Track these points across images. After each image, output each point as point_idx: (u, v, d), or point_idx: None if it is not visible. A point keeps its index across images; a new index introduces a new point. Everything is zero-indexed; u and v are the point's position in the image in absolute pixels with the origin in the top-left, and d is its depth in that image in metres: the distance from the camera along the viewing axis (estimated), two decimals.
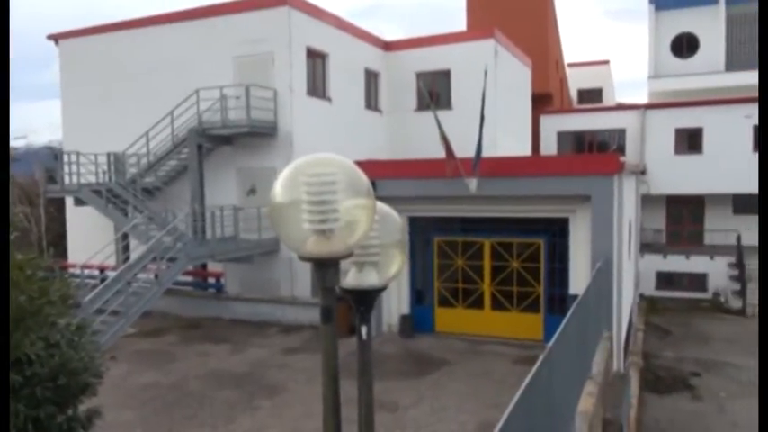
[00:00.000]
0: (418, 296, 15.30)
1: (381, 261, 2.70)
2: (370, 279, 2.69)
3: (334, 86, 19.40)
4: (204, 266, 17.88)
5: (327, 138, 18.18)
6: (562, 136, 29.18)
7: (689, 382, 16.07)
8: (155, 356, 13.48)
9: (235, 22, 17.84)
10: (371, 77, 22.02)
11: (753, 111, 25.26)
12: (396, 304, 15.06)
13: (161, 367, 12.63)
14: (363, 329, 2.74)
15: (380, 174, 14.45)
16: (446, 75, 22.05)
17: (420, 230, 15.09)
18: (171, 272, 13.85)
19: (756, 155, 25.26)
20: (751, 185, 25.28)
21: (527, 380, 4.61)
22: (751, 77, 28.89)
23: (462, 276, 14.81)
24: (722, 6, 29.84)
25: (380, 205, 2.74)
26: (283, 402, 10.54)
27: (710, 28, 30.30)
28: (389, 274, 2.74)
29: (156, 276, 13.63)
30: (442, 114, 14.42)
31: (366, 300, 2.72)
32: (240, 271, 17.53)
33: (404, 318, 14.93)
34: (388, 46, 22.77)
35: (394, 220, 2.75)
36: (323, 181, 2.31)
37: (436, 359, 12.90)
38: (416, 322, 14.94)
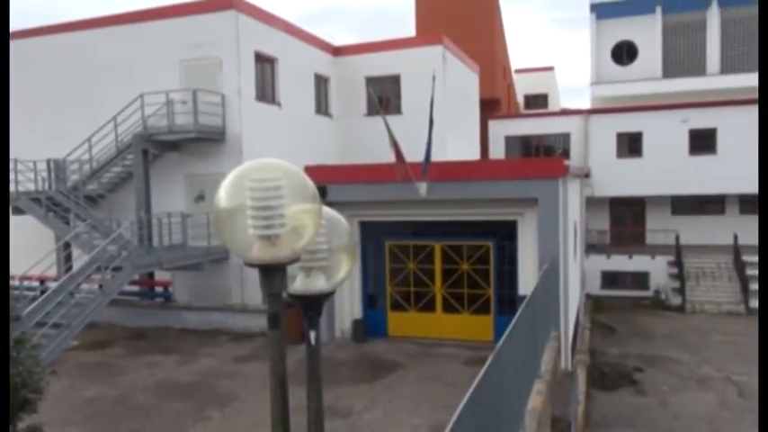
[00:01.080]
0: (371, 301, 15.32)
1: (329, 266, 2.71)
2: (319, 284, 2.69)
3: (284, 91, 19.27)
4: (151, 275, 17.43)
5: (277, 143, 18.04)
6: (510, 140, 29.76)
7: (633, 378, 16.56)
8: (100, 369, 13.05)
9: (181, 26, 17.51)
10: (321, 82, 21.97)
11: (689, 115, 26.41)
12: (348, 309, 15.03)
13: (106, 380, 12.24)
14: (312, 335, 2.73)
15: (331, 179, 14.44)
16: (396, 80, 22.22)
17: (372, 235, 15.12)
18: (116, 281, 13.45)
19: (692, 158, 26.44)
20: (687, 187, 26.44)
21: (476, 381, 4.68)
22: (686, 84, 30.26)
23: (414, 280, 14.91)
24: (659, 16, 31.10)
25: (327, 210, 2.74)
26: (234, 412, 10.37)
27: (648, 36, 31.52)
28: (338, 279, 2.75)
29: (101, 286, 13.21)
30: (391, 119, 14.51)
31: (314, 305, 2.72)
32: (189, 279, 17.17)
33: (356, 323, 14.92)
34: (337, 51, 22.78)
35: (341, 224, 2.75)
36: (268, 186, 2.30)
37: (389, 363, 12.93)
38: (369, 327, 14.95)
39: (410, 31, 32.91)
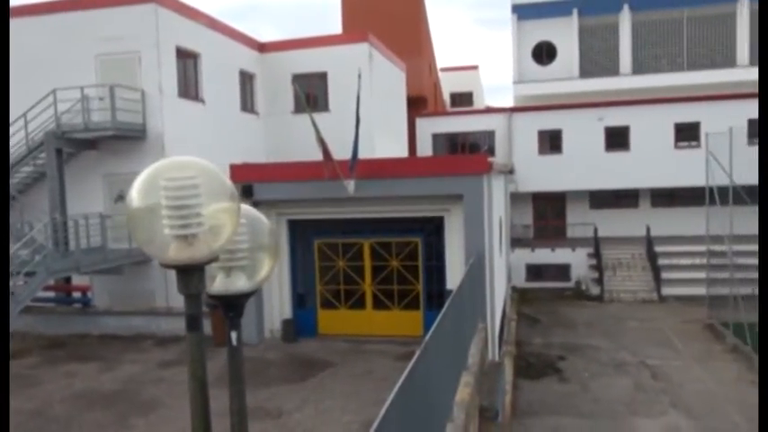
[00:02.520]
0: (300, 300, 15.20)
1: (250, 265, 2.67)
2: (239, 284, 2.65)
3: (208, 88, 18.80)
4: (68, 280, 16.61)
5: (201, 140, 17.57)
6: (437, 138, 30.26)
7: (557, 366, 17.26)
8: (13, 382, 12.28)
9: (97, 18, 16.73)
10: (247, 79, 21.58)
11: (604, 114, 27.68)
12: (278, 309, 14.86)
13: (21, 392, 11.56)
14: (233, 335, 2.69)
15: (258, 177, 14.23)
16: (323, 77, 22.11)
17: (300, 233, 15.01)
18: (29, 288, 12.73)
19: (608, 154, 27.75)
20: (604, 182, 27.74)
21: (403, 375, 4.74)
22: (602, 84, 31.71)
23: (344, 277, 14.91)
24: (575, 18, 32.42)
25: (248, 209, 2.70)
26: (160, 419, 10.05)
27: (566, 37, 32.80)
28: (259, 278, 2.71)
29: (12, 293, 12.46)
30: (319, 117, 14.43)
31: (235, 305, 2.67)
32: (109, 283, 16.48)
33: (286, 322, 14.77)
34: (263, 47, 22.43)
35: (262, 223, 2.72)
36: (183, 185, 2.24)
37: (320, 362, 12.88)
38: (299, 326, 14.84)
39: (337, 28, 32.85)
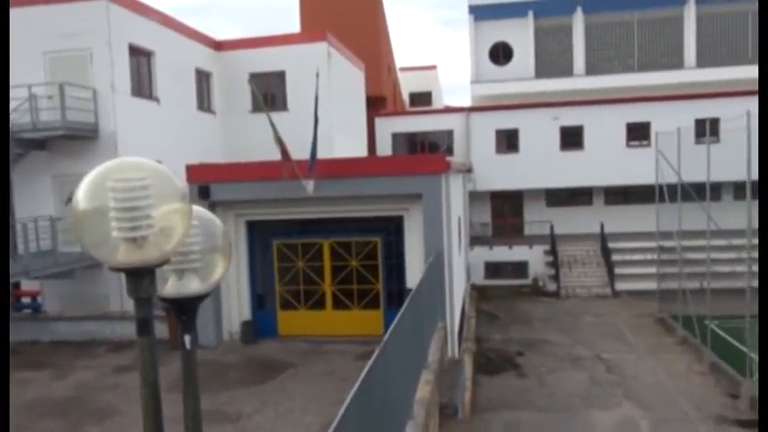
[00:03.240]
0: (259, 301, 15.05)
1: (203, 267, 2.64)
2: (192, 286, 2.62)
3: (163, 86, 18.42)
4: (17, 285, 16.04)
5: (156, 140, 17.21)
6: (396, 137, 30.38)
7: (515, 362, 17.55)
8: None
9: (46, 14, 16.21)
10: (203, 78, 21.24)
11: (559, 113, 28.25)
12: (236, 311, 14.68)
13: None
14: (187, 338, 2.65)
15: (215, 177, 14.03)
16: (281, 76, 21.93)
17: (259, 234, 14.86)
18: None
19: (563, 153, 28.34)
20: (559, 181, 28.32)
21: (362, 375, 4.75)
22: (556, 84, 32.37)
23: (303, 278, 14.83)
24: (531, 19, 33.00)
25: (200, 210, 2.67)
26: (115, 426, 9.81)
27: (522, 38, 33.36)
28: (212, 281, 2.69)
29: None
30: (277, 116, 14.31)
31: (188, 308, 2.64)
32: (61, 287, 15.99)
33: (245, 324, 14.61)
34: (219, 45, 22.11)
35: (215, 224, 2.69)
36: (132, 186, 2.20)
37: (280, 363, 12.79)
38: (259, 328, 14.69)
39: (295, 27, 32.63)
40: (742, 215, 14.03)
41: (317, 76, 13.74)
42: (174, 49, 19.19)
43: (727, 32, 31.94)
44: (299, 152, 13.45)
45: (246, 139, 20.75)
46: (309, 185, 12.89)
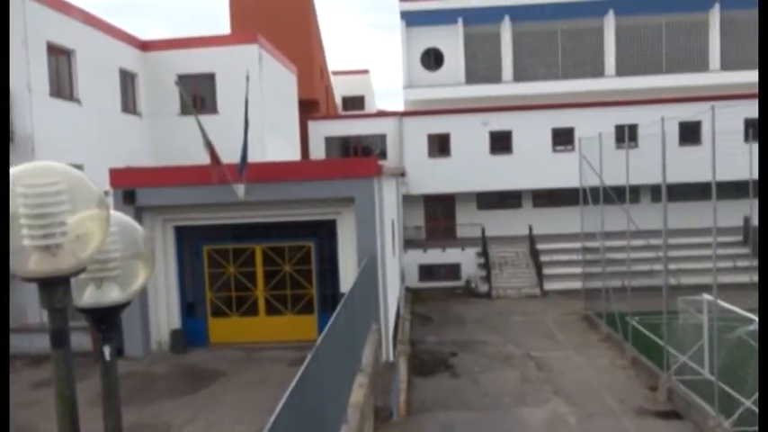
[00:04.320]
0: (189, 309, 14.66)
1: (123, 275, 2.54)
2: (111, 295, 2.52)
3: (84, 87, 17.65)
4: None
5: (78, 143, 16.46)
6: (329, 141, 30.30)
7: (449, 362, 17.80)
8: None
9: None
10: (128, 78, 20.49)
11: (489, 119, 28.97)
12: (165, 319, 14.23)
13: None
14: (106, 350, 2.55)
15: (141, 182, 13.57)
16: (210, 78, 21.45)
17: (188, 240, 14.48)
18: None
19: (493, 157, 29.06)
20: (489, 184, 29.02)
21: (294, 381, 4.70)
22: (486, 90, 33.16)
23: (235, 284, 14.55)
24: (460, 26, 33.69)
25: (120, 215, 2.58)
26: None
27: (452, 45, 34.01)
28: (134, 289, 2.59)
29: None
30: (207, 119, 13.99)
31: (108, 318, 2.54)
32: None
33: (175, 333, 14.18)
34: (146, 46, 21.41)
35: (135, 230, 2.61)
36: (44, 192, 2.10)
37: (211, 372, 12.49)
38: (189, 336, 14.30)
39: (225, 28, 32.02)
40: (659, 216, 14.77)
41: (248, 78, 13.52)
42: (97, 49, 18.43)
43: (644, 43, 33.68)
44: (230, 156, 13.20)
45: (175, 142, 20.16)
46: (240, 190, 12.68)
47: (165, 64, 21.19)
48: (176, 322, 14.39)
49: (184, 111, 20.72)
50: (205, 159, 13.02)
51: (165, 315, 14.23)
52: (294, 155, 26.59)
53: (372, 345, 11.63)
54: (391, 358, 14.61)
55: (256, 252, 14.43)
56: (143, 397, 11.02)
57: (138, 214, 13.36)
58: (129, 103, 20.49)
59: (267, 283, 14.47)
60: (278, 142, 23.23)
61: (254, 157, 14.25)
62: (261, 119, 19.53)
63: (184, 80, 20.52)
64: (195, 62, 21.37)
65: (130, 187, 13.18)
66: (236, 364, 12.89)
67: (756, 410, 11.47)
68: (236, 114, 17.65)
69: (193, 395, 11.21)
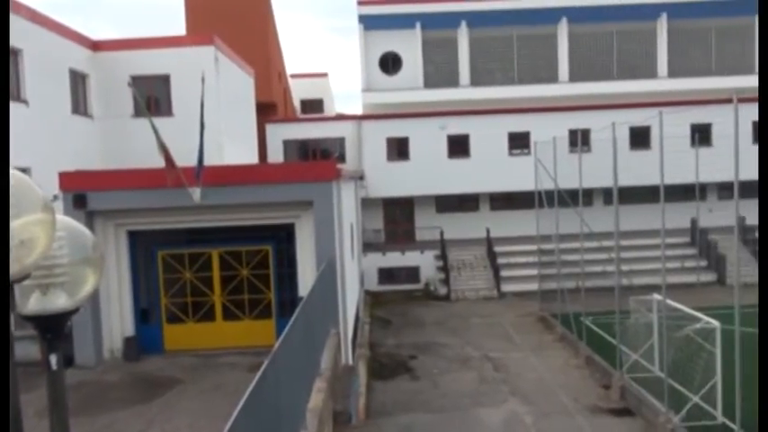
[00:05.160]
0: (143, 315, 14.31)
1: (70, 281, 2.47)
2: (58, 302, 2.44)
3: (32, 88, 17.06)
4: None
5: (25, 146, 15.85)
6: (288, 144, 30.10)
7: (408, 365, 17.87)
8: None
9: None
10: (78, 79, 19.91)
11: (447, 123, 29.24)
12: (118, 326, 13.85)
13: None
14: (53, 358, 2.47)
15: (93, 185, 13.20)
16: (165, 80, 21.02)
17: (142, 245, 14.15)
18: None
19: (451, 161, 29.35)
20: (447, 187, 29.29)
21: (250, 387, 4.65)
22: (444, 94, 33.51)
23: (191, 289, 14.28)
24: (418, 31, 33.96)
25: (68, 220, 2.51)
26: None
27: (410, 49, 34.24)
28: (82, 295, 2.52)
29: None
30: (162, 121, 13.72)
31: (54, 325, 2.46)
32: None
33: (128, 340, 13.82)
34: (97, 46, 20.84)
35: (83, 234, 2.54)
36: None
37: (166, 380, 12.22)
38: (143, 343, 13.96)
39: (180, 29, 31.47)
40: (612, 219, 15.17)
41: (203, 80, 13.32)
42: (45, 48, 17.86)
43: (596, 50, 34.59)
44: (186, 159, 12.95)
45: (128, 144, 19.66)
46: (196, 193, 12.44)
47: (117, 65, 20.67)
48: (130, 329, 14.03)
49: (138, 113, 20.24)
50: (159, 162, 12.74)
51: (118, 322, 13.85)
52: (252, 158, 26.28)
53: (331, 349, 11.58)
54: (351, 362, 14.58)
55: (213, 256, 14.20)
56: (95, 407, 10.71)
57: (90, 219, 12.99)
58: (79, 105, 19.92)
59: (224, 287, 14.25)
60: (235, 145, 22.93)
61: (210, 160, 14.04)
62: (217, 121, 19.27)
63: (138, 81, 20.03)
64: (149, 63, 20.92)
65: (81, 191, 12.80)
66: (193, 371, 12.65)
67: (704, 405, 11.90)
68: (191, 117, 17.35)
69: (148, 404, 10.95)
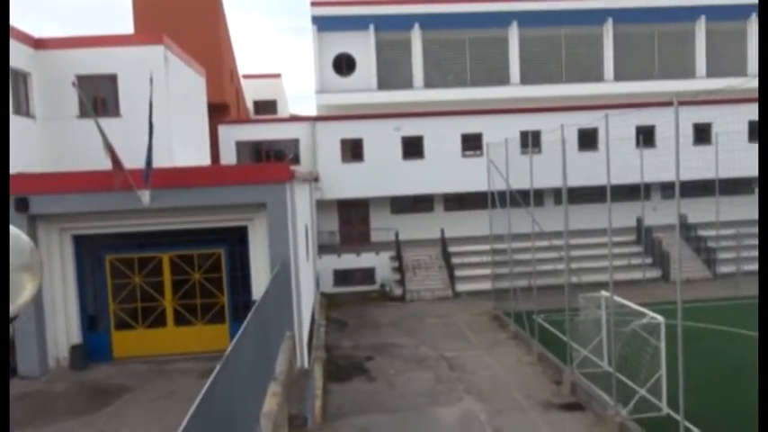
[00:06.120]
0: (91, 322, 13.90)
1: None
2: None
3: None
4: None
5: None
6: (241, 146, 29.70)
7: (365, 367, 17.87)
8: None
9: None
10: (20, 78, 19.17)
11: (401, 124, 29.40)
12: (64, 334, 13.41)
13: None
14: None
15: (35, 188, 12.75)
16: (112, 79, 20.45)
17: (89, 249, 13.74)
18: None
19: (405, 162, 29.51)
20: (402, 188, 29.45)
21: (202, 392, 4.57)
22: (398, 96, 33.70)
23: (141, 295, 13.95)
24: (372, 32, 34.04)
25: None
26: None
27: (364, 50, 34.29)
28: (19, 302, 2.43)
29: None
30: (109, 122, 13.35)
31: None
32: None
33: (75, 348, 13.39)
34: (40, 44, 20.11)
35: (21, 240, 2.45)
36: None
37: (116, 388, 11.90)
38: (91, 351, 13.55)
39: (128, 28, 30.68)
40: (562, 218, 15.53)
41: (151, 80, 13.04)
42: None
43: (545, 54, 35.38)
44: (135, 161, 12.65)
45: (73, 146, 19.04)
46: (145, 196, 12.17)
47: (62, 64, 20.00)
48: (76, 337, 13.60)
49: (83, 113, 19.64)
50: (106, 164, 12.40)
51: (64, 329, 13.41)
52: (204, 160, 25.82)
53: (286, 352, 11.49)
54: (306, 365, 14.48)
55: (164, 260, 13.90)
56: (40, 418, 10.34)
57: (32, 223, 12.55)
58: (20, 105, 19.18)
59: (175, 292, 13.97)
60: (186, 147, 22.49)
61: (161, 162, 13.73)
62: (167, 122, 18.86)
63: (84, 81, 19.45)
64: (96, 62, 20.31)
65: (23, 194, 12.35)
66: (143, 379, 12.35)
67: (650, 398, 12.31)
68: (140, 118, 16.93)
69: (96, 414, 10.64)
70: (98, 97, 19.90)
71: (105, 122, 12.79)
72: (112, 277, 13.86)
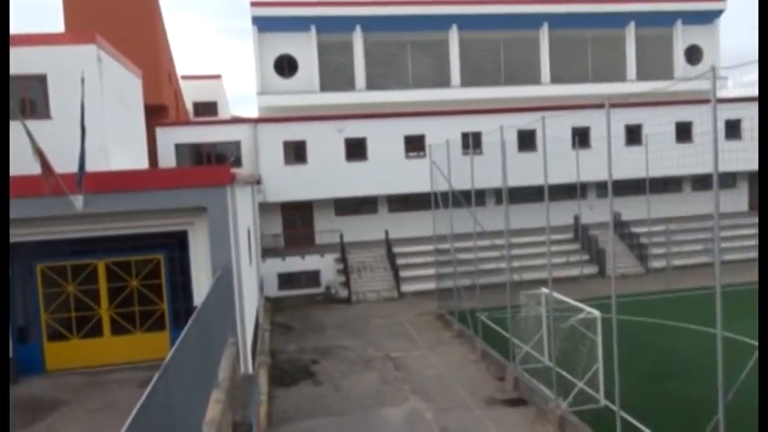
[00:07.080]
0: (21, 334, 13.26)
1: None
2: None
3: None
4: None
5: None
6: (180, 148, 29.00)
7: (310, 370, 17.76)
8: None
9: None
10: None
11: (344, 126, 29.39)
12: None
13: None
14: None
15: None
16: (42, 80, 19.57)
17: (18, 258, 13.11)
18: None
19: (349, 164, 29.51)
20: (346, 190, 29.45)
21: (139, 403, 4.44)
22: (340, 97, 33.69)
23: (75, 304, 13.43)
24: (314, 34, 33.89)
25: None
26: None
27: (306, 52, 34.12)
28: None
29: None
30: (39, 125, 12.80)
31: None
32: None
33: None
34: None
35: None
36: None
37: (49, 402, 11.40)
38: (21, 364, 12.94)
39: (59, 27, 29.50)
40: (502, 218, 15.86)
41: (83, 80, 12.57)
42: None
43: (484, 57, 36.11)
44: (67, 165, 12.15)
45: None
46: (78, 201, 11.71)
47: None
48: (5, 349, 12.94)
49: (10, 115, 18.72)
50: (35, 169, 11.87)
51: None
52: (141, 163, 25.05)
53: (229, 358, 11.28)
54: (250, 370, 14.27)
55: (99, 268, 13.43)
56: None
57: None
58: None
59: (112, 300, 13.52)
60: (123, 150, 21.77)
61: (94, 165, 13.24)
62: (101, 124, 18.22)
63: (11, 81, 18.55)
64: (23, 62, 19.36)
65: None
66: (79, 391, 11.89)
67: (588, 390, 12.74)
68: (72, 120, 16.30)
69: (29, 429, 10.18)
70: (26, 98, 19.02)
71: (34, 125, 12.25)
72: (44, 286, 13.29)
